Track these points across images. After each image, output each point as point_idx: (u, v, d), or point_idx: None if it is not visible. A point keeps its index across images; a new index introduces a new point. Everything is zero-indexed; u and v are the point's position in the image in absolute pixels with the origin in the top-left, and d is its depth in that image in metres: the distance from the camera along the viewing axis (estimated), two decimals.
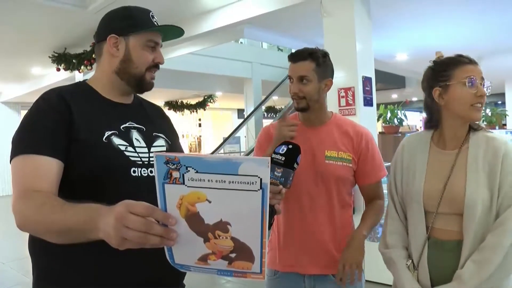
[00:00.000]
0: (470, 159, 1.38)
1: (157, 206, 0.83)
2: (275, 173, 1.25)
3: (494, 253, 1.28)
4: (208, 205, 0.82)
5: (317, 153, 1.68)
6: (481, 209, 1.33)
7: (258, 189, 0.80)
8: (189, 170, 0.80)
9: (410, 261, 1.46)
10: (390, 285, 1.55)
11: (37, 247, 1.16)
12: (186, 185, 0.81)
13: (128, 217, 0.79)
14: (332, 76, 1.71)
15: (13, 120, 12.29)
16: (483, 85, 1.39)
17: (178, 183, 0.81)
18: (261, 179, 0.79)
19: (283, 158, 1.32)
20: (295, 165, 1.34)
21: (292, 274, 1.71)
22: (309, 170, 1.66)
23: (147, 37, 1.24)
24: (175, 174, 0.81)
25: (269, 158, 0.80)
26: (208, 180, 0.80)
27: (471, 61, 1.41)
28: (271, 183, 1.19)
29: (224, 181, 0.80)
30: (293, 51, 1.72)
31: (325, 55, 1.68)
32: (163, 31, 1.28)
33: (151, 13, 1.26)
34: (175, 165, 0.81)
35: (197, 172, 0.80)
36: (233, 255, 0.86)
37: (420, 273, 1.42)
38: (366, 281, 1.80)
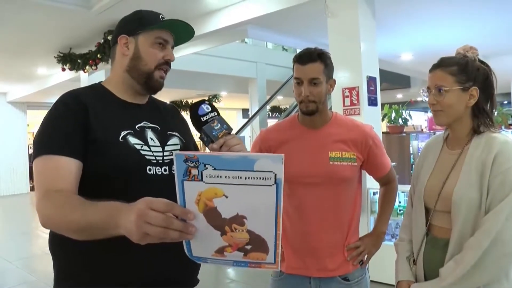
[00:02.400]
0: (467, 159, 1.39)
1: (173, 202, 0.87)
2: (215, 127, 1.19)
3: (469, 253, 1.28)
4: (225, 200, 0.86)
5: (320, 155, 1.66)
6: (467, 208, 1.32)
7: (273, 184, 0.84)
8: (207, 168, 0.84)
9: (412, 255, 1.52)
10: (394, 285, 1.55)
11: (57, 246, 1.20)
12: (204, 182, 0.85)
13: (148, 213, 0.83)
14: (333, 75, 1.71)
15: (20, 120, 12.38)
16: (433, 91, 1.41)
17: (196, 180, 0.85)
18: (275, 175, 0.83)
19: (215, 113, 1.23)
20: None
21: (297, 276, 1.70)
22: (314, 173, 1.64)
23: (155, 35, 1.27)
24: (194, 171, 0.85)
25: (283, 154, 0.83)
26: (225, 177, 0.84)
27: (431, 69, 1.45)
28: (221, 137, 1.17)
29: (241, 177, 0.84)
30: (298, 51, 1.69)
31: (329, 55, 1.67)
32: (174, 31, 1.31)
33: (161, 15, 1.30)
34: (194, 163, 0.85)
35: (214, 169, 0.84)
36: (248, 247, 0.90)
37: (417, 268, 1.48)
38: (370, 281, 1.80)
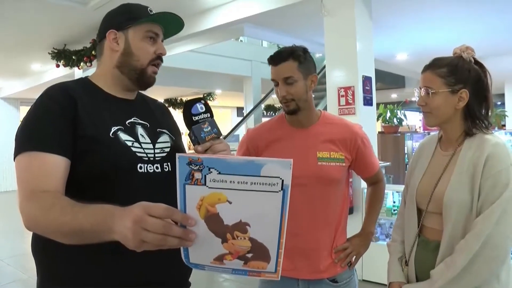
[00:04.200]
0: (459, 161, 1.38)
1: (163, 202, 0.83)
2: (204, 129, 1.17)
3: (459, 256, 1.28)
4: (228, 206, 0.82)
5: (308, 155, 1.64)
6: (458, 210, 1.32)
7: (279, 190, 0.81)
8: (211, 171, 0.81)
9: (404, 256, 1.52)
10: (386, 285, 1.56)
11: (41, 247, 1.14)
12: (207, 186, 0.82)
13: (147, 219, 0.79)
14: (315, 71, 1.67)
15: (13, 116, 12.30)
16: (423, 92, 1.42)
17: (199, 184, 0.82)
18: (282, 181, 0.80)
19: (208, 114, 1.21)
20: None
21: (285, 278, 1.66)
22: (302, 173, 1.60)
23: (145, 28, 1.22)
24: (197, 175, 0.81)
25: (291, 160, 0.80)
26: (230, 181, 0.81)
27: (422, 70, 1.45)
28: (208, 140, 1.15)
29: (246, 182, 0.81)
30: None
31: (305, 51, 1.63)
32: (163, 23, 1.26)
33: (149, 8, 1.26)
34: (197, 166, 0.81)
35: (219, 173, 0.81)
36: (249, 255, 0.87)
37: (409, 269, 1.47)
38: (364, 280, 1.80)
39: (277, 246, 0.86)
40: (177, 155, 0.82)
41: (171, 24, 1.29)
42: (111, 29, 1.23)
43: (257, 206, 0.82)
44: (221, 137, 1.20)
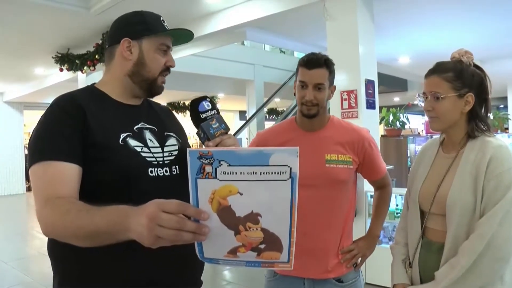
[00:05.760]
0: (461, 163, 1.40)
1: (186, 202, 0.85)
2: (213, 125, 1.21)
3: (463, 257, 1.29)
4: (240, 197, 0.84)
5: (317, 157, 1.67)
6: (461, 212, 1.33)
7: (288, 178, 0.83)
8: (221, 164, 0.83)
9: (408, 258, 1.53)
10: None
11: (58, 251, 1.17)
12: (218, 179, 0.83)
13: (161, 216, 0.81)
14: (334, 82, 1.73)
15: (16, 120, 12.36)
16: (429, 97, 1.42)
17: (210, 177, 0.83)
18: (290, 168, 0.82)
19: (215, 111, 1.25)
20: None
21: (291, 277, 1.70)
22: (310, 174, 1.64)
23: (159, 41, 1.25)
24: (208, 168, 0.83)
25: (298, 148, 0.82)
26: (240, 173, 0.83)
27: (427, 75, 1.45)
28: (217, 135, 1.18)
29: (256, 173, 0.82)
30: (295, 54, 1.71)
31: (333, 61, 1.69)
32: (174, 35, 1.30)
33: (162, 18, 1.29)
34: (208, 160, 0.83)
35: (229, 165, 0.82)
36: (262, 246, 0.88)
37: (413, 271, 1.48)
38: (367, 283, 1.81)
39: (288, 235, 0.87)
40: (188, 150, 0.83)
41: (182, 37, 1.33)
42: (126, 37, 1.24)
43: (267, 195, 0.84)
44: (229, 132, 1.23)
